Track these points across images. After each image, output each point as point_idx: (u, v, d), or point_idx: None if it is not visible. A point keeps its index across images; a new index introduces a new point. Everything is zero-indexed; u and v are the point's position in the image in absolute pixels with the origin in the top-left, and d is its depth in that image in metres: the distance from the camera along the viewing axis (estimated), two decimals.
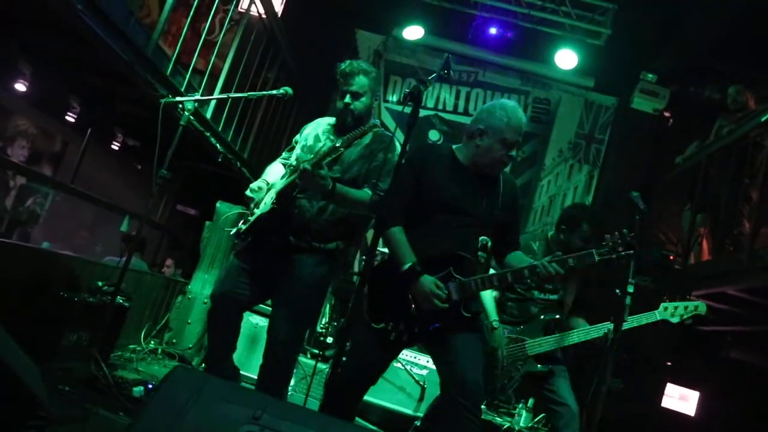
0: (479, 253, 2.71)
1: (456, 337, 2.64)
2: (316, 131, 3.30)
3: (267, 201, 3.08)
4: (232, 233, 3.29)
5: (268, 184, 3.19)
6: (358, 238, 3.26)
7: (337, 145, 2.84)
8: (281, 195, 3.06)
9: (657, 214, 7.26)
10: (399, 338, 2.68)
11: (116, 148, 6.90)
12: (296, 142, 3.36)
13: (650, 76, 7.27)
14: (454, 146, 2.91)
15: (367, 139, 3.10)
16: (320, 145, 3.17)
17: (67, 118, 6.17)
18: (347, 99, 3.10)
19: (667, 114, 7.85)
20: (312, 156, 2.98)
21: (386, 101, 8.11)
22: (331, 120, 3.30)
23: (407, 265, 2.60)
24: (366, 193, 2.96)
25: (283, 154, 3.44)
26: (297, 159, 3.22)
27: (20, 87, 5.61)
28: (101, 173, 7.18)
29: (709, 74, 7.50)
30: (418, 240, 2.69)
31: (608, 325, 3.60)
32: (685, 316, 3.58)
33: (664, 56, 7.14)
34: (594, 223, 3.89)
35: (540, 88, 8.14)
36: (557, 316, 3.81)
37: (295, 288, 3.01)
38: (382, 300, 2.73)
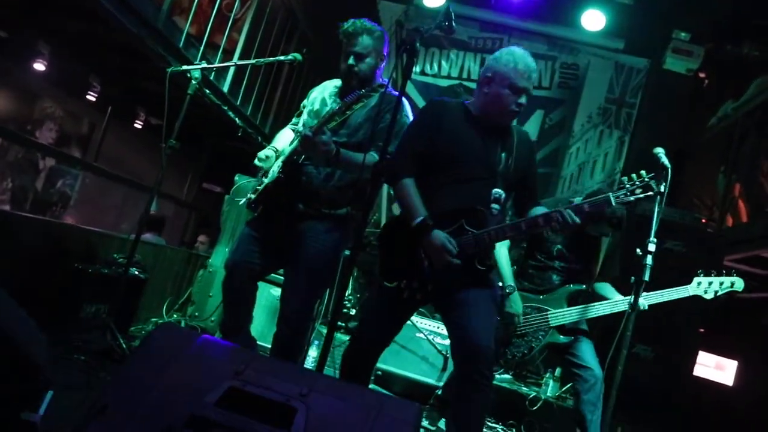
0: (492, 205, 2.62)
1: (468, 296, 2.57)
2: (323, 95, 3.21)
3: (274, 169, 3.03)
4: (241, 203, 3.26)
5: (277, 151, 3.13)
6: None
7: (335, 109, 2.75)
8: (287, 163, 3.00)
9: (691, 178, 7.00)
10: (413, 296, 2.61)
11: (139, 126, 6.95)
12: (304, 107, 3.29)
13: (683, 34, 6.93)
14: (466, 101, 2.82)
15: (373, 100, 2.98)
16: (326, 109, 3.07)
17: (88, 97, 6.22)
18: (351, 60, 2.98)
19: (702, 75, 7.52)
20: (316, 121, 2.91)
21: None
22: (338, 82, 3.19)
23: (419, 219, 2.52)
24: (371, 155, 2.84)
25: (293, 120, 3.37)
26: (303, 124, 3.16)
27: (40, 67, 5.67)
28: (126, 152, 7.27)
29: (747, 30, 7.13)
30: (429, 194, 2.61)
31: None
32: (720, 293, 3.42)
33: (697, 12, 6.79)
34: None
35: (567, 53, 7.86)
36: (584, 287, 3.70)
37: (307, 255, 2.95)
38: (394, 257, 2.68)
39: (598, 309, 3.65)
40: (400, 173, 2.65)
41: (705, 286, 3.43)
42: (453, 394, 2.71)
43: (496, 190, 2.64)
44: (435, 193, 2.62)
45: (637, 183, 2.49)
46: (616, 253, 3.92)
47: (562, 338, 3.65)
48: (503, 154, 2.69)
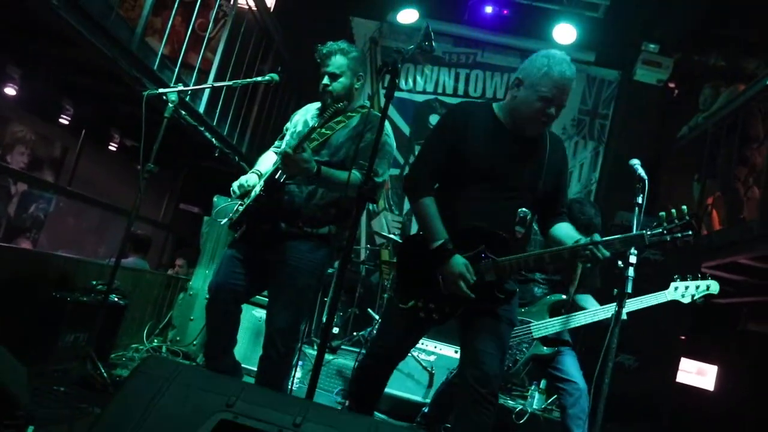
0: (517, 227, 2.47)
1: (483, 320, 2.51)
2: (305, 117, 3.23)
3: (256, 189, 3.02)
4: (222, 223, 3.23)
5: (260, 174, 3.13)
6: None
7: (315, 125, 2.77)
8: (268, 182, 2.99)
9: (666, 187, 7.11)
10: (429, 317, 2.55)
11: (114, 149, 6.86)
12: (287, 130, 3.30)
13: (652, 46, 7.09)
14: (494, 104, 2.63)
15: (354, 120, 3.04)
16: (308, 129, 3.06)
17: (60, 120, 6.13)
18: (325, 80, 3.03)
19: (671, 85, 7.68)
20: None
21: (384, 88, 7.99)
22: (319, 104, 3.21)
23: (438, 243, 2.42)
24: (354, 174, 2.83)
25: (276, 143, 3.37)
26: (286, 145, 3.15)
27: (11, 91, 5.57)
28: (101, 175, 7.16)
29: (713, 41, 7.32)
30: (450, 211, 2.48)
31: (615, 306, 3.50)
32: (696, 296, 3.44)
33: (665, 24, 6.96)
34: (580, 226, 3.74)
35: None
36: (564, 297, 3.71)
37: (291, 275, 2.92)
38: (411, 276, 2.61)
39: (580, 318, 3.67)
40: (419, 191, 2.55)
41: (682, 291, 3.46)
42: (455, 414, 2.68)
43: (522, 210, 2.48)
44: (456, 208, 2.50)
45: (677, 222, 2.28)
46: (596, 265, 3.95)
47: (545, 349, 3.66)
48: (533, 170, 2.51)
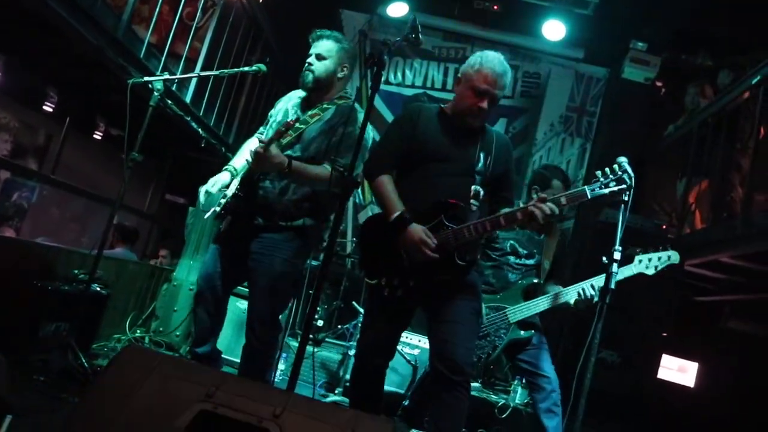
0: (472, 201, 2.63)
1: (450, 308, 2.60)
2: (287, 105, 3.27)
3: (232, 187, 3.10)
4: (206, 216, 3.23)
5: (235, 170, 3.20)
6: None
7: (288, 120, 2.85)
8: (245, 179, 3.08)
9: (652, 185, 7.15)
10: (393, 293, 2.62)
11: (99, 137, 6.79)
12: (271, 116, 3.33)
13: (640, 44, 7.12)
14: (443, 105, 2.88)
15: (329, 113, 3.06)
16: (289, 117, 3.14)
17: (45, 108, 6.05)
18: (310, 59, 3.08)
19: (659, 83, 7.71)
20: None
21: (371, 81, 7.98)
22: (302, 93, 3.23)
23: (396, 215, 2.56)
24: (324, 168, 2.91)
25: (260, 129, 3.40)
26: (266, 137, 3.17)
27: None
28: (85, 164, 7.08)
29: (700, 40, 7.35)
30: (408, 191, 2.65)
31: (584, 284, 3.53)
32: (659, 267, 3.50)
33: (654, 23, 6.98)
34: (566, 180, 3.81)
35: (529, 62, 7.99)
36: (535, 281, 3.74)
37: (267, 264, 3.00)
38: (374, 254, 2.71)
39: (553, 300, 3.68)
40: (376, 171, 2.71)
41: (645, 263, 3.52)
42: (433, 400, 2.71)
43: (475, 186, 2.65)
44: (414, 190, 2.66)
45: (611, 177, 2.51)
46: (566, 254, 3.99)
47: (522, 333, 3.68)
48: (481, 153, 2.71)
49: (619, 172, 2.51)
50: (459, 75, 2.73)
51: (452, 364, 2.51)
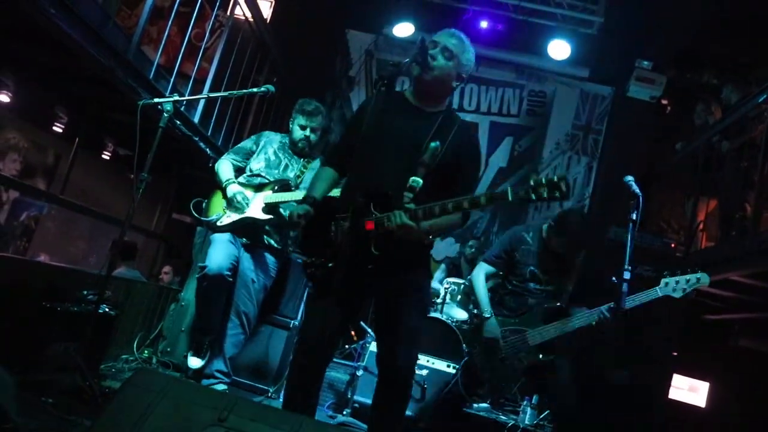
0: (405, 193, 2.40)
1: (395, 310, 2.59)
2: (273, 146, 4.09)
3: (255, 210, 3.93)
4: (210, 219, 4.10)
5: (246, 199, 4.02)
6: None
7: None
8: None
9: (659, 203, 7.14)
10: (314, 274, 2.57)
11: (107, 157, 6.83)
12: (255, 148, 4.13)
13: (645, 63, 7.15)
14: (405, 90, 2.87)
15: (315, 163, 4.07)
16: (283, 163, 4.06)
17: (54, 128, 6.10)
18: (307, 132, 4.03)
19: (664, 101, 7.73)
20: (285, 178, 3.99)
21: None
22: (280, 137, 4.15)
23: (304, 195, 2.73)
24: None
25: (236, 157, 4.20)
26: (260, 174, 4.06)
27: (4, 98, 5.54)
28: (94, 183, 7.12)
29: (706, 59, 7.38)
30: (351, 175, 2.72)
31: (603, 307, 3.53)
32: (687, 290, 3.46)
33: (659, 42, 7.03)
34: (572, 240, 3.77)
35: (535, 81, 8.04)
36: (558, 304, 3.73)
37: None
38: (308, 237, 2.77)
39: (575, 322, 3.67)
40: (324, 163, 2.88)
41: (673, 285, 3.49)
42: (373, 402, 2.69)
43: (414, 177, 2.43)
44: (352, 174, 2.70)
45: (543, 182, 2.18)
46: (587, 279, 3.99)
47: (542, 356, 3.67)
48: (432, 143, 2.52)
49: (556, 180, 2.17)
50: None
51: (395, 370, 2.59)
